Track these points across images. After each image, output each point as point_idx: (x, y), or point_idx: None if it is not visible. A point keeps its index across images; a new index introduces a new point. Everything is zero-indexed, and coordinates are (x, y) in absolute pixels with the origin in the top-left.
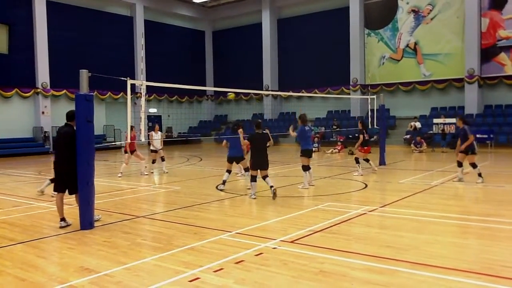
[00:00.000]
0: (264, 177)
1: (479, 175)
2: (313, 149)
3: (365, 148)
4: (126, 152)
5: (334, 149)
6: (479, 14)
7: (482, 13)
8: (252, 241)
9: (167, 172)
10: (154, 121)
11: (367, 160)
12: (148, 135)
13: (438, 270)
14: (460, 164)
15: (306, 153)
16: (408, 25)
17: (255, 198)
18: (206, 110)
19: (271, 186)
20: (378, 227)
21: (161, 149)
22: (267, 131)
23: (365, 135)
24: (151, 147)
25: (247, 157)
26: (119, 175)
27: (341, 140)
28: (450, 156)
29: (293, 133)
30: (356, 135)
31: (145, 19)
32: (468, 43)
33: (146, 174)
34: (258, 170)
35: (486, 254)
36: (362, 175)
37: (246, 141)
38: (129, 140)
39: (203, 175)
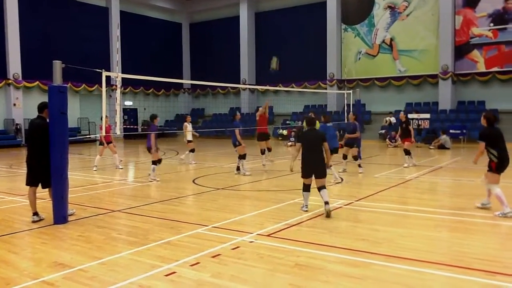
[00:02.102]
0: (320, 188)
1: (359, 165)
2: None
3: (410, 139)
4: (101, 143)
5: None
6: (453, 11)
7: (456, 10)
8: (229, 235)
9: (195, 163)
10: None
11: (409, 153)
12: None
13: (411, 263)
14: (355, 158)
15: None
16: (384, 21)
17: (306, 211)
18: (183, 104)
19: (326, 202)
20: (354, 220)
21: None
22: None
23: (410, 126)
24: (188, 138)
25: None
26: (94, 168)
27: None
28: (425, 151)
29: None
30: (402, 126)
31: (121, 10)
32: (442, 40)
33: (121, 168)
34: (313, 178)
35: (458, 246)
36: (415, 165)
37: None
38: (103, 130)
39: (180, 169)
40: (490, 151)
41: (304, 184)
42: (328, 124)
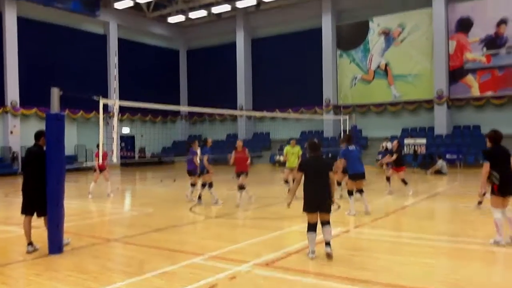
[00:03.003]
0: (324, 223)
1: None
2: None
3: (402, 167)
4: (96, 170)
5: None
6: (447, 36)
7: (449, 36)
8: (226, 265)
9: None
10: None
11: (406, 182)
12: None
13: None
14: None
15: (354, 176)
16: (379, 47)
17: (313, 258)
18: (180, 130)
19: (327, 243)
20: (352, 248)
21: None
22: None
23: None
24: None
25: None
26: (89, 196)
27: None
28: (422, 176)
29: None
30: (392, 154)
31: (118, 37)
32: (436, 65)
33: (112, 195)
34: (318, 213)
35: (455, 274)
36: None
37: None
38: (100, 157)
39: (177, 196)
40: (491, 172)
41: (308, 223)
42: (351, 148)
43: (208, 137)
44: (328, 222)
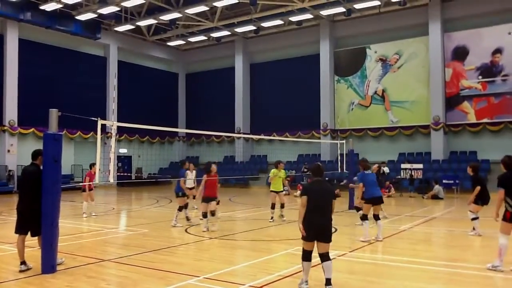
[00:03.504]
0: (324, 258)
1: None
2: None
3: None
4: (84, 190)
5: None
6: (443, 64)
7: (445, 63)
8: (220, 287)
9: (196, 208)
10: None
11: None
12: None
13: None
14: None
15: (371, 201)
16: (376, 73)
17: None
18: (177, 152)
19: (328, 281)
20: (348, 272)
21: (193, 187)
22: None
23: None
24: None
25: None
26: (84, 215)
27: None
28: (418, 200)
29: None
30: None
31: (118, 59)
32: (433, 92)
33: (95, 215)
34: (315, 242)
35: None
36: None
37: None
38: (96, 176)
39: (173, 217)
40: (506, 199)
41: (304, 250)
42: (367, 172)
43: (187, 161)
44: (328, 255)
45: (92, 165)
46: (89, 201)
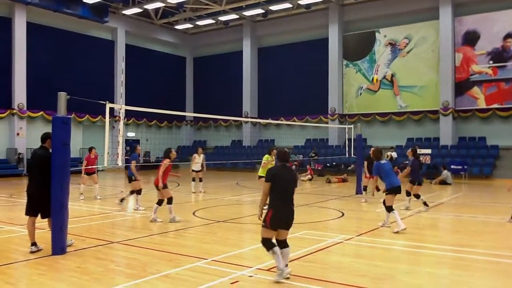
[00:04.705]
0: (284, 245)
1: (425, 203)
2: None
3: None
4: (86, 173)
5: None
6: (453, 49)
7: (456, 48)
8: (228, 269)
9: (203, 192)
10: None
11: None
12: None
13: None
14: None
15: (393, 190)
16: (385, 58)
17: (288, 278)
18: (185, 136)
19: (286, 266)
20: (354, 256)
21: (200, 170)
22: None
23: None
24: (193, 168)
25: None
26: (81, 197)
27: (319, 168)
28: (426, 186)
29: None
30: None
31: (126, 43)
32: (442, 77)
33: (99, 198)
34: (278, 230)
35: (459, 284)
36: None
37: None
38: (90, 161)
39: (180, 200)
40: None
41: (265, 239)
42: (382, 162)
43: (138, 145)
44: (287, 242)
45: (91, 149)
46: (93, 184)
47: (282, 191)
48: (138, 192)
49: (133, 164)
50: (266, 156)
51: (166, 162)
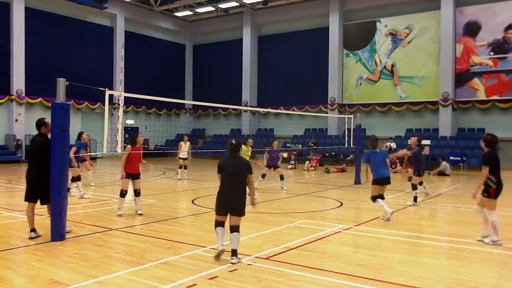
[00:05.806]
0: (233, 229)
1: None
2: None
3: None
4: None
5: (311, 166)
6: (454, 40)
7: (456, 39)
8: (227, 257)
9: (187, 179)
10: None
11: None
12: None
13: None
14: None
15: (378, 181)
16: (385, 47)
17: (221, 254)
18: (184, 124)
19: (234, 252)
20: (352, 245)
21: (186, 158)
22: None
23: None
24: (180, 155)
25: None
26: (92, 184)
27: (318, 157)
28: (424, 177)
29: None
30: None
31: (125, 30)
32: (443, 68)
33: (93, 185)
34: (228, 216)
35: (456, 274)
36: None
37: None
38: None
39: (179, 188)
40: (488, 176)
41: (216, 220)
42: (376, 150)
43: (84, 133)
44: (237, 228)
45: (80, 134)
46: (86, 171)
47: (227, 179)
48: (77, 178)
49: (72, 150)
50: (243, 146)
51: (128, 148)
